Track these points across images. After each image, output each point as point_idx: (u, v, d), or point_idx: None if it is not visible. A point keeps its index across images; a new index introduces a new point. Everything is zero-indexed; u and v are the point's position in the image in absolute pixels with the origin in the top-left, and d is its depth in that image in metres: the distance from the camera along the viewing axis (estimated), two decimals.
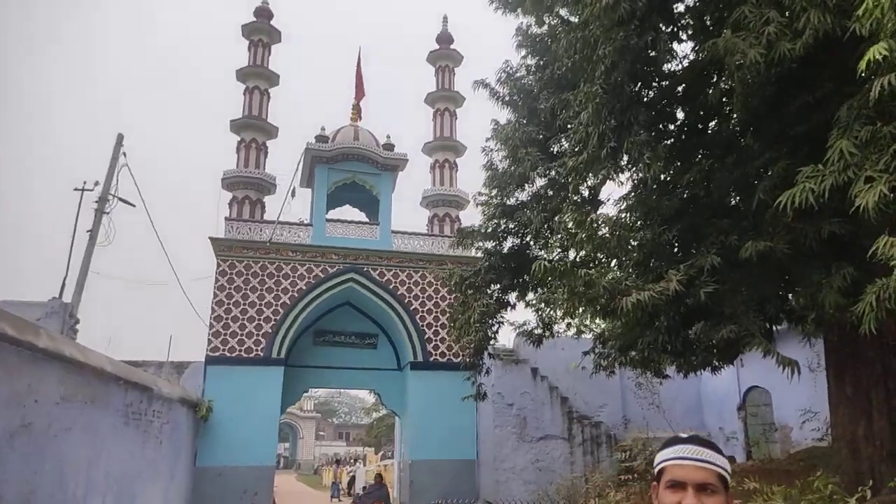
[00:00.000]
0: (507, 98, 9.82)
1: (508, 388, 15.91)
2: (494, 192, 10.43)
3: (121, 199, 16.08)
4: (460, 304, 11.05)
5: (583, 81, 6.69)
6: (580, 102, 6.61)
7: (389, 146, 16.99)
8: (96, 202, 15.34)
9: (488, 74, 10.90)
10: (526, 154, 8.68)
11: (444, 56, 19.17)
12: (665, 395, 16.06)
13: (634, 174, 6.51)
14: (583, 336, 15.21)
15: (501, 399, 15.80)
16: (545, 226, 9.33)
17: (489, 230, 10.59)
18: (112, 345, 14.66)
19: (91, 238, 15.14)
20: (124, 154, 15.89)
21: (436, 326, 15.81)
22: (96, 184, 15.77)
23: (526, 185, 9.49)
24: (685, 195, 6.95)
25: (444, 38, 19.44)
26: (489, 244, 10.87)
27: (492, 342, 11.49)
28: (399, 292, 15.75)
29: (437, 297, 15.98)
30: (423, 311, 15.81)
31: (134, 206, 16.30)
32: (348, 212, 18.15)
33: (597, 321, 13.37)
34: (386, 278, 15.76)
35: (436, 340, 15.72)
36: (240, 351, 14.43)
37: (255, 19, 17.96)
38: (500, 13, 10.16)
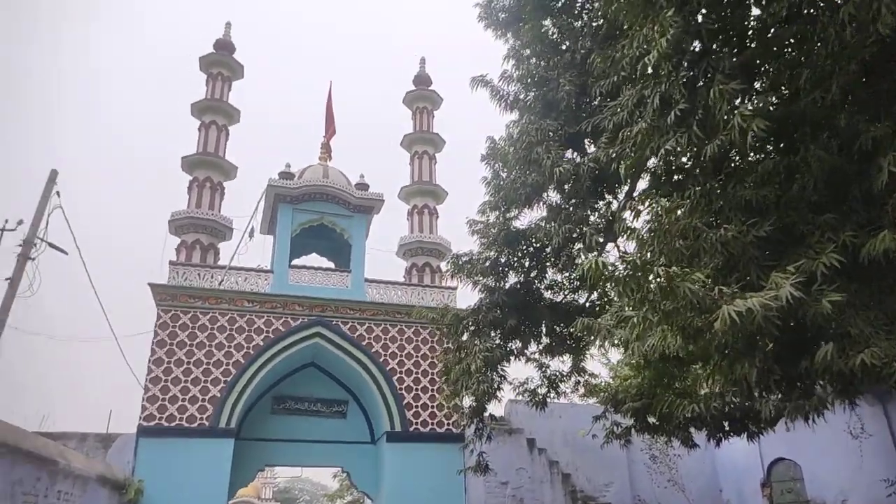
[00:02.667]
0: (512, 97, 8.15)
1: (502, 464, 13.57)
2: (495, 214, 8.64)
3: (51, 245, 13.86)
4: (457, 351, 9.00)
5: (638, 25, 5.05)
6: (638, 46, 4.92)
7: (363, 185, 15.22)
8: (20, 245, 13.11)
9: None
10: (545, 152, 6.92)
11: (422, 97, 17.81)
12: (680, 471, 13.93)
13: (715, 146, 4.79)
14: (585, 401, 13.20)
15: (494, 476, 13.42)
16: (568, 246, 7.52)
17: (487, 263, 8.71)
18: (46, 422, 12.12)
19: (11, 286, 12.80)
20: (58, 193, 13.80)
21: (416, 390, 13.57)
22: (20, 223, 13.58)
23: (544, 194, 7.69)
24: (779, 179, 5.22)
25: (422, 79, 18.15)
26: (488, 280, 8.96)
27: (496, 397, 9.36)
28: (373, 349, 13.57)
29: (417, 356, 13.83)
30: (401, 372, 13.60)
31: (66, 253, 14.08)
32: (315, 261, 16.10)
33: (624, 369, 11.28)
34: (358, 333, 13.60)
35: (416, 406, 13.45)
36: (180, 419, 11.93)
37: (214, 51, 16.39)
38: (492, 34, 8.73)
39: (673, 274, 4.41)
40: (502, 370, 9.01)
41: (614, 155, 5.58)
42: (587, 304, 9.92)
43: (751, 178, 5.15)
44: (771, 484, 14.42)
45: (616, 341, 6.02)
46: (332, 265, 15.82)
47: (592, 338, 6.54)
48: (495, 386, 8.81)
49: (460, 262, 8.89)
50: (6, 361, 11.24)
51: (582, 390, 11.72)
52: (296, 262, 14.89)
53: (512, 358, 9.37)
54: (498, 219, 8.61)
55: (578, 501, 13.77)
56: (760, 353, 4.90)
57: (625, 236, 5.78)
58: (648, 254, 5.06)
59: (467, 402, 9.58)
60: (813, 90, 5.27)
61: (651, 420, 11.51)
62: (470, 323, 8.73)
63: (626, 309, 5.22)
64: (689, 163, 5.65)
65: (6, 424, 7.08)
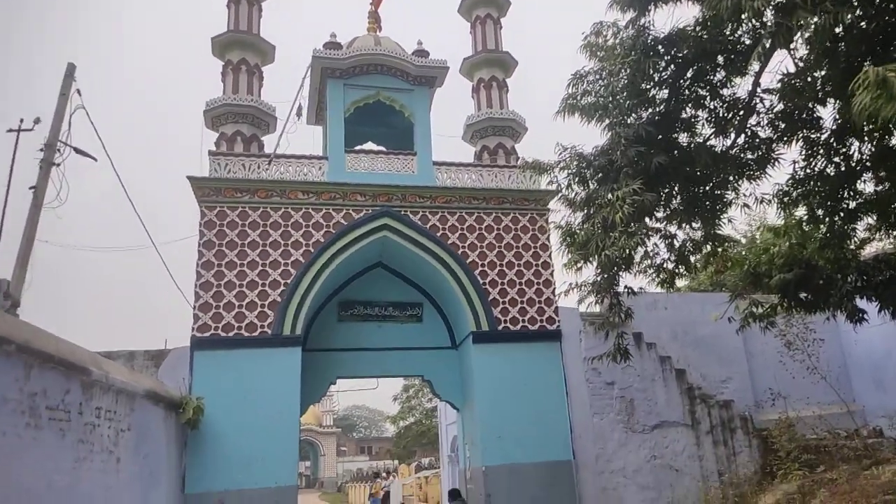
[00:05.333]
0: None
1: (606, 362, 11.73)
2: (629, 14, 6.37)
3: (77, 151, 12.20)
4: (585, 204, 6.93)
5: None
6: None
7: (422, 52, 12.95)
8: (42, 150, 11.48)
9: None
10: None
11: None
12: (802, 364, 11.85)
13: None
14: (717, 279, 11.18)
15: (598, 376, 11.65)
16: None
17: (620, 83, 6.49)
18: (89, 343, 10.88)
19: (36, 197, 11.22)
20: (78, 91, 12.00)
21: (502, 284, 11.69)
22: (36, 122, 11.87)
23: None
24: None
25: None
26: (622, 107, 6.73)
27: (641, 263, 7.36)
28: (449, 241, 11.66)
29: (500, 246, 11.87)
30: (483, 265, 11.70)
31: (95, 159, 12.41)
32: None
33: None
34: (430, 224, 11.68)
35: (503, 303, 11.60)
36: (238, 328, 10.36)
37: None
38: None
39: None
40: (646, 230, 6.91)
41: None
42: (731, 149, 7.70)
43: None
44: None
45: None
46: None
47: None
48: (633, 252, 6.72)
49: (578, 93, 6.69)
50: (38, 278, 9.62)
51: (712, 268, 9.65)
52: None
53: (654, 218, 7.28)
54: (629, 26, 6.35)
55: (696, 400, 11.92)
56: None
57: None
58: None
59: (586, 276, 7.57)
60: None
61: (802, 295, 9.49)
62: (600, 167, 6.63)
63: None
64: None
65: (13, 319, 5.43)
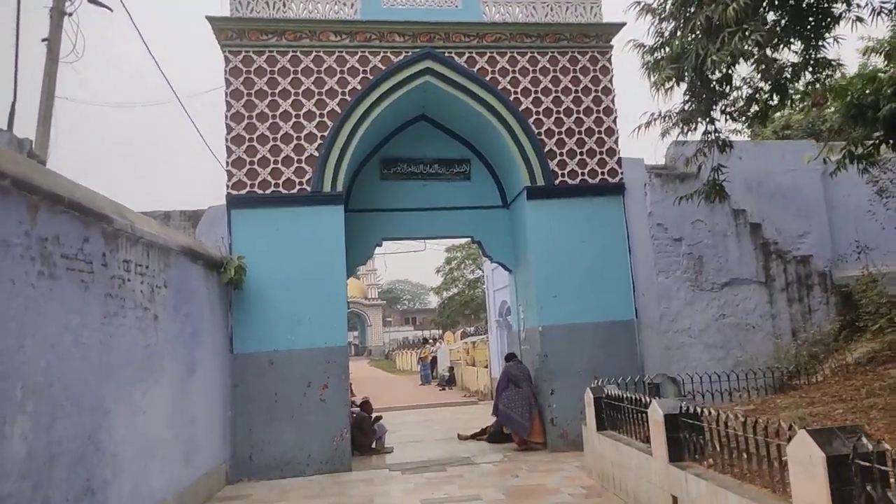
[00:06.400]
0: None
1: (673, 217, 10.79)
2: None
3: (91, 0, 11.14)
4: (679, 6, 5.68)
5: None
6: None
7: None
8: None
9: None
10: None
11: None
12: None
13: None
14: (814, 113, 9.85)
15: (664, 232, 10.74)
16: None
17: None
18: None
19: (50, 50, 10.31)
20: None
21: (559, 134, 10.57)
22: None
23: None
24: None
25: None
26: None
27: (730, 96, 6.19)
28: (500, 86, 10.46)
29: (556, 90, 10.62)
30: (537, 112, 10.54)
31: (111, 9, 11.33)
32: None
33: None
34: (478, 66, 10.44)
35: (561, 154, 10.54)
36: (276, 185, 9.64)
37: None
38: None
39: None
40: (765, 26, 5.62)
41: None
42: None
43: None
44: None
45: None
46: None
47: None
48: (759, 44, 5.50)
49: None
50: (63, 137, 8.82)
51: (809, 101, 8.34)
52: None
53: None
54: None
55: (772, 255, 10.97)
56: None
57: None
58: None
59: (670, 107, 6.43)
60: None
61: None
62: None
63: None
64: None
65: (8, 151, 4.69)
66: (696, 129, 6.74)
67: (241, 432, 9.12)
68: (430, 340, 29.97)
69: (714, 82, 5.76)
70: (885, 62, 7.98)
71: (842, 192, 11.87)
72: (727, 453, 4.80)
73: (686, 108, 6.20)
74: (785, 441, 4.02)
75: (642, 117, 6.91)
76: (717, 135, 6.67)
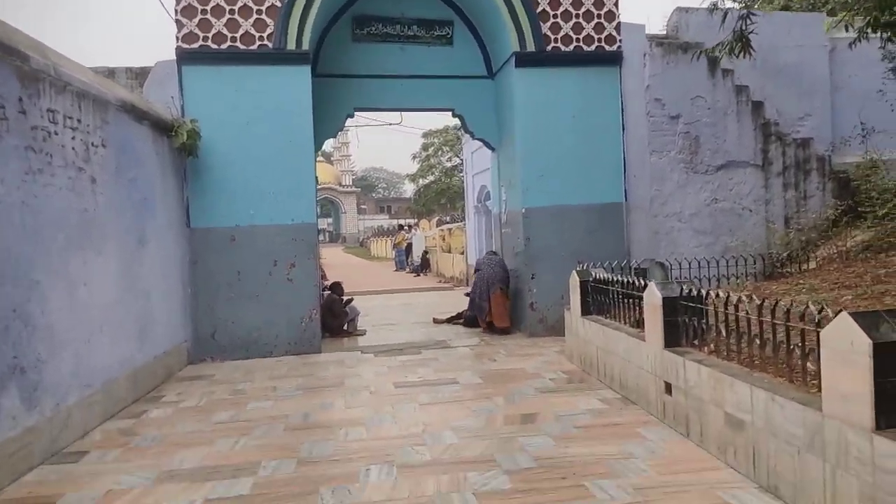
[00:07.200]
0: None
1: (672, 93, 9.95)
2: None
3: None
4: None
5: None
6: None
7: None
8: None
9: None
10: None
11: None
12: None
13: None
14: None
15: (661, 109, 9.93)
16: None
17: None
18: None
19: None
20: None
21: None
22: None
23: None
24: None
25: None
26: None
27: None
28: None
29: None
30: None
31: None
32: None
33: None
34: None
35: (554, 16, 9.46)
36: (233, 39, 8.51)
37: None
38: None
39: None
40: None
41: None
42: None
43: None
44: None
45: None
46: None
47: None
48: None
49: None
50: None
51: None
52: None
53: None
54: None
55: (771, 137, 10.29)
56: None
57: None
58: None
59: None
60: None
61: None
62: None
63: None
64: None
65: None
66: None
67: (203, 311, 8.55)
68: (406, 227, 29.41)
69: None
70: None
71: (847, 73, 11.09)
72: (734, 339, 4.32)
73: None
74: (811, 326, 3.51)
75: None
76: None
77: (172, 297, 7.93)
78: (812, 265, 8.62)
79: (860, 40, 7.72)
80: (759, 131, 10.21)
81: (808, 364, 3.64)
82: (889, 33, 7.52)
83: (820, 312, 3.46)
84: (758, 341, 4.03)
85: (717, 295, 4.51)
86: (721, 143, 10.05)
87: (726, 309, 4.37)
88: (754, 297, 4.16)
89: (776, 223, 10.12)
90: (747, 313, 4.13)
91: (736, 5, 8.45)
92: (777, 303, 3.84)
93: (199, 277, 8.52)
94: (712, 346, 4.65)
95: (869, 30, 7.46)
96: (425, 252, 25.44)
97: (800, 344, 3.64)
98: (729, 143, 10.07)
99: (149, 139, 7.30)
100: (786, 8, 14.92)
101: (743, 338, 4.22)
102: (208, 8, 8.35)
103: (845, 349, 3.03)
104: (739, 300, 4.25)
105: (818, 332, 3.45)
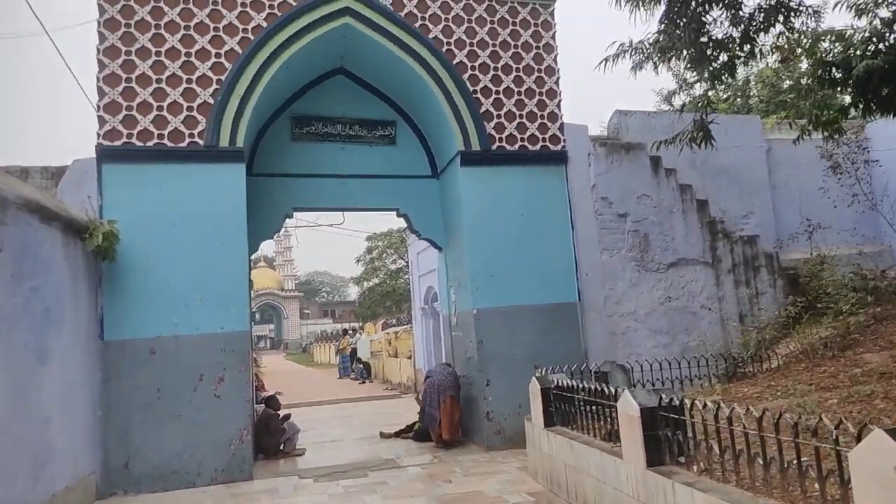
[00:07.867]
0: None
1: (618, 191, 9.87)
2: None
3: None
4: None
5: None
6: None
7: None
8: None
9: None
10: None
11: None
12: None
13: None
14: (785, 67, 9.05)
15: (608, 207, 9.79)
16: None
17: None
18: None
19: None
20: None
21: (497, 93, 9.40)
22: None
23: None
24: None
25: None
26: None
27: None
28: (431, 35, 9.18)
29: (494, 44, 9.44)
30: (473, 68, 9.33)
31: None
32: None
33: None
34: (406, 11, 9.12)
35: (498, 116, 9.38)
36: (160, 136, 7.96)
37: None
38: None
39: None
40: None
41: None
42: None
43: None
44: None
45: None
46: None
47: None
48: None
49: None
50: None
51: (780, 54, 7.53)
52: None
53: None
54: None
55: (718, 235, 10.25)
56: None
57: None
58: None
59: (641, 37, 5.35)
60: None
61: (885, 91, 7.53)
62: None
63: None
64: None
65: None
66: (680, 56, 5.68)
67: (115, 436, 7.44)
68: (350, 331, 28.40)
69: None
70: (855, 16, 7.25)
71: (784, 172, 11.39)
72: (729, 457, 3.74)
73: (661, 37, 5.14)
74: (830, 444, 2.98)
75: (610, 48, 5.78)
76: (708, 61, 5.63)
77: (78, 422, 6.86)
78: (775, 364, 8.27)
79: (802, 138, 7.82)
80: (705, 229, 10.17)
81: (827, 488, 3.08)
82: (828, 132, 7.63)
83: (838, 427, 2.94)
84: (760, 461, 3.47)
85: (705, 405, 3.98)
86: (670, 241, 9.93)
87: (717, 422, 3.82)
88: (751, 408, 3.63)
89: (731, 321, 9.87)
90: (744, 427, 3.59)
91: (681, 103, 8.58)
92: (781, 415, 3.33)
93: (112, 397, 7.47)
94: (702, 464, 4.05)
95: (811, 127, 7.55)
96: (365, 359, 24.35)
97: (814, 464, 3.10)
98: (678, 241, 9.96)
99: (58, 242, 6.51)
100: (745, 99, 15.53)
101: (741, 456, 3.65)
102: (134, 104, 7.84)
103: (885, 473, 2.50)
104: (733, 411, 3.71)
105: (837, 451, 2.92)
